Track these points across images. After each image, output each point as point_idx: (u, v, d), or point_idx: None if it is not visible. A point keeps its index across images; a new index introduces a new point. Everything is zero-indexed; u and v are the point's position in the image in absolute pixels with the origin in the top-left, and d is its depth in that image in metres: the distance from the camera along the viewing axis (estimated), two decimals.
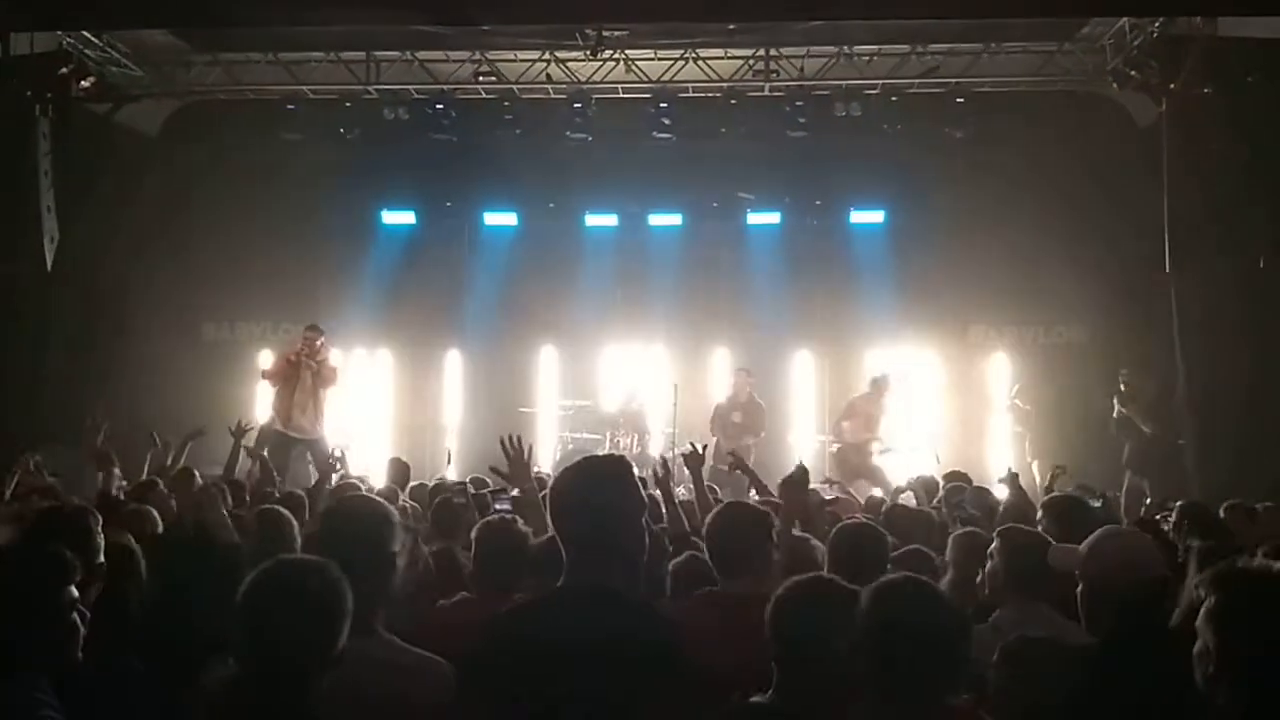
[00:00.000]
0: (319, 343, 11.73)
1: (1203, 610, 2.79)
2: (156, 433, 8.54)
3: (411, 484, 8.53)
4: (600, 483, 2.92)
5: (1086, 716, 3.19)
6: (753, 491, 7.53)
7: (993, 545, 4.33)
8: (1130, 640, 3.27)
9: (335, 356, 12.19)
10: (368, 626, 3.00)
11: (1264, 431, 10.63)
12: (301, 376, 11.56)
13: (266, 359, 13.22)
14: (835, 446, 12.84)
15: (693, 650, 2.86)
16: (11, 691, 2.76)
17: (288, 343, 12.50)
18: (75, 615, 2.92)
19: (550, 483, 3.06)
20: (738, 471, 7.68)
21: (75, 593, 2.94)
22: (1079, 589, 3.49)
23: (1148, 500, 9.88)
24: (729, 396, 13.53)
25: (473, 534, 4.87)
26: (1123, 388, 12.34)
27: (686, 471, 6.46)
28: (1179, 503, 6.96)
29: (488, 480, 8.40)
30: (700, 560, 4.47)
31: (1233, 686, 2.63)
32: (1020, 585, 4.11)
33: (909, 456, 12.56)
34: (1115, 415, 12.29)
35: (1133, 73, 12.15)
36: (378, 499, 3.63)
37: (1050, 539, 4.37)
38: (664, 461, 6.18)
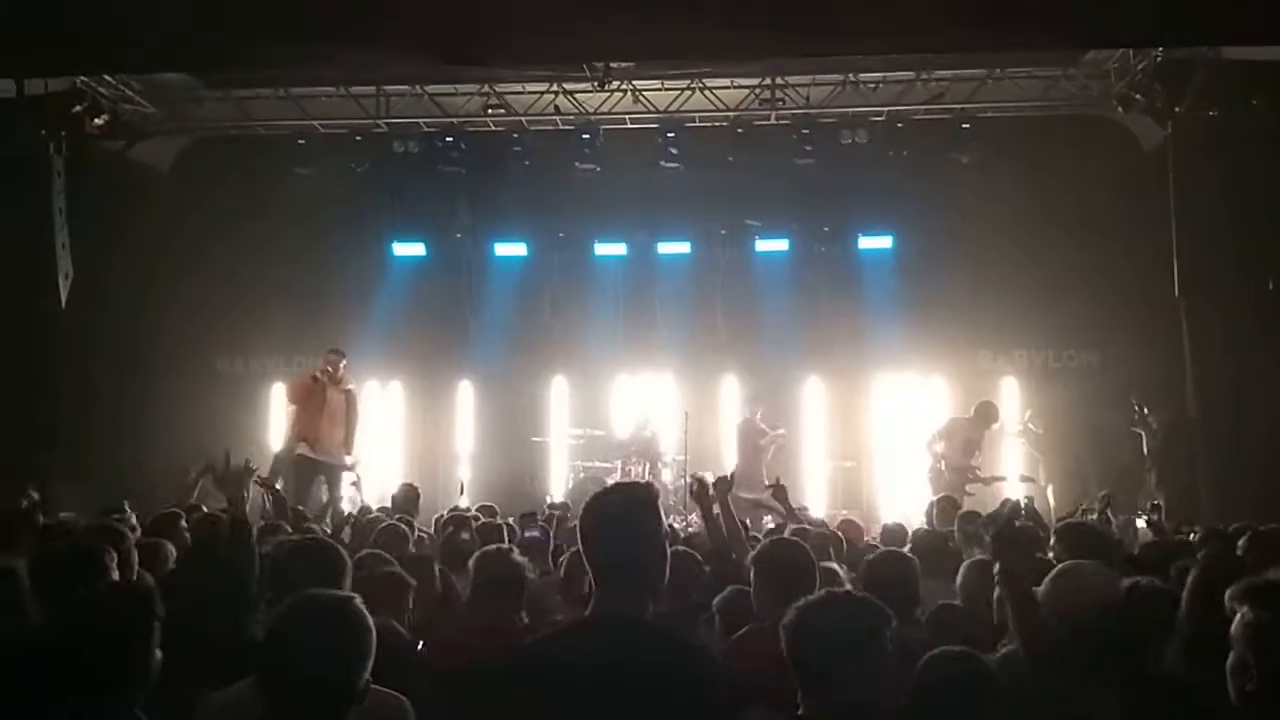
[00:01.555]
0: (342, 365, 11.78)
1: (1237, 625, 2.79)
2: (194, 468, 8.55)
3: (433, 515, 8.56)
4: (631, 511, 2.95)
5: None
6: (767, 519, 7.54)
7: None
8: (1090, 671, 3.30)
9: (354, 384, 12.22)
10: None
11: (1275, 454, 10.59)
12: (328, 398, 11.56)
13: (279, 392, 13.30)
14: (936, 468, 12.38)
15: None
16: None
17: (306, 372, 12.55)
18: (158, 651, 3.05)
19: (580, 510, 3.07)
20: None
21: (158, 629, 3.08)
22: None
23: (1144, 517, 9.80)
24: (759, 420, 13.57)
25: (470, 563, 4.91)
26: (1137, 415, 12.31)
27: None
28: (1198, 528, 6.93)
29: (496, 508, 8.44)
30: (746, 595, 4.48)
31: (1276, 702, 2.63)
32: None
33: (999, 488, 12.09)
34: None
35: (1137, 96, 12.17)
36: (330, 541, 3.66)
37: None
38: (701, 480, 6.15)
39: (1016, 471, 13.15)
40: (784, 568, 4.25)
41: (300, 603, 2.85)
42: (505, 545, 5.51)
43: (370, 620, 2.80)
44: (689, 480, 6.14)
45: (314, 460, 11.34)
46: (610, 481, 12.99)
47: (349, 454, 11.73)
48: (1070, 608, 3.45)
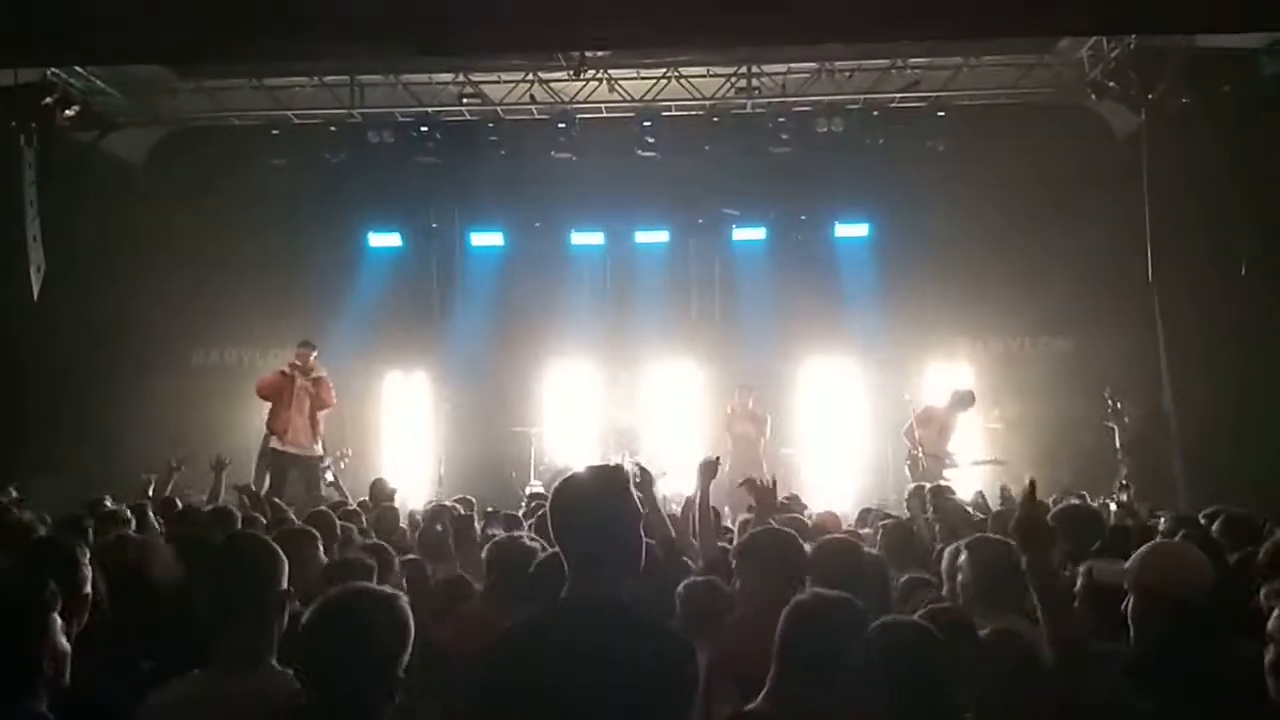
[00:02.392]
0: (312, 357, 11.78)
1: (1275, 620, 2.82)
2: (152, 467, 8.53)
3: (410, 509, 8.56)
4: (599, 494, 2.92)
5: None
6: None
7: (961, 558, 4.35)
8: (1183, 649, 3.31)
9: (324, 372, 12.18)
10: (256, 659, 3.08)
11: (1247, 437, 10.70)
12: (296, 391, 11.58)
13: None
14: (915, 454, 12.46)
15: None
16: (13, 714, 2.84)
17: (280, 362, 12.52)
18: (63, 640, 2.98)
19: (549, 496, 3.04)
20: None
21: (59, 620, 3.00)
22: (1127, 601, 3.50)
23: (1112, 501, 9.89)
24: (732, 409, 13.71)
25: (484, 554, 4.95)
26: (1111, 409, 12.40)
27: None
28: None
29: (473, 501, 8.45)
30: (714, 585, 4.47)
31: None
32: (988, 594, 4.15)
33: (971, 473, 12.24)
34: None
35: (1111, 84, 12.24)
36: (265, 538, 3.62)
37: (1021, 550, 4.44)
38: (642, 470, 6.17)
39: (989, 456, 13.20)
40: (771, 558, 4.22)
41: (344, 595, 2.86)
42: (519, 533, 5.53)
43: (411, 616, 2.82)
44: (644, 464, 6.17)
45: (284, 453, 11.40)
46: (594, 465, 13.00)
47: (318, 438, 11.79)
48: (1171, 586, 3.41)
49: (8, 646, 2.88)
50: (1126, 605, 3.50)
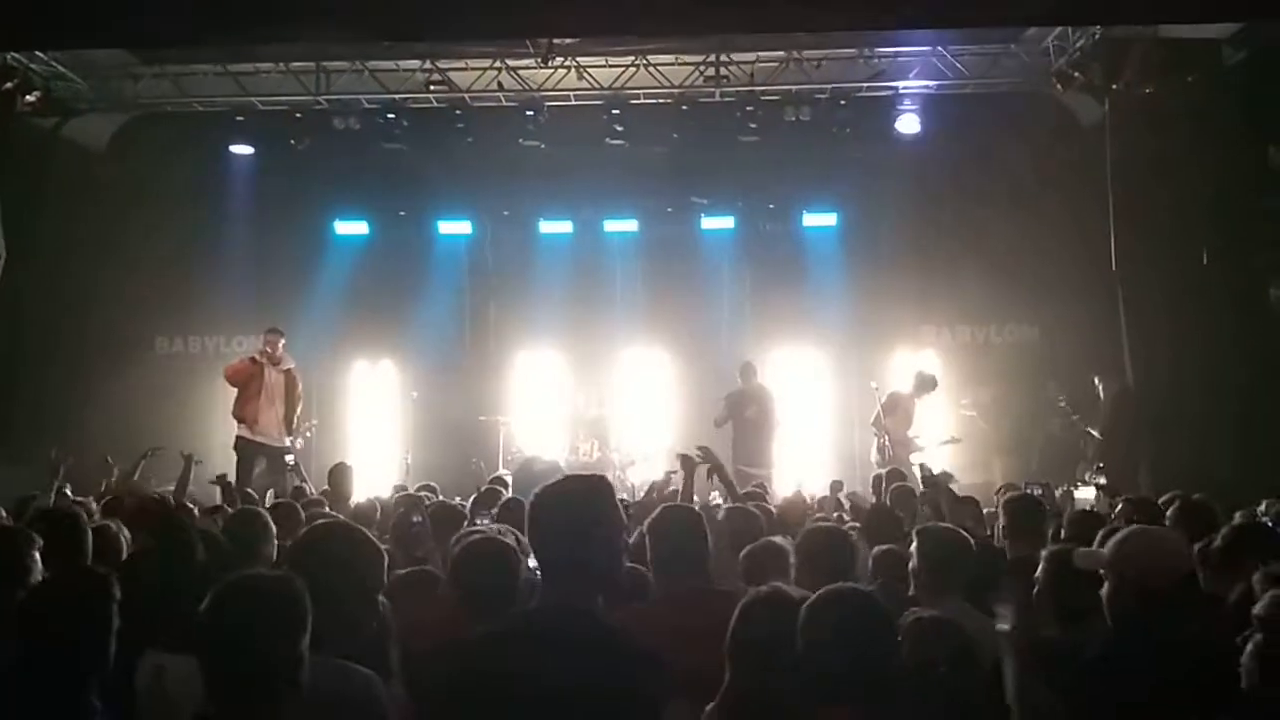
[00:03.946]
0: (280, 344, 11.71)
1: (1266, 605, 2.91)
2: (110, 456, 8.45)
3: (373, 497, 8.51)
4: (583, 505, 2.88)
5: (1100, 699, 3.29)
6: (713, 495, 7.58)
7: (912, 544, 4.41)
8: (1153, 634, 3.35)
9: (293, 363, 12.11)
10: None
11: (1208, 424, 10.82)
12: (266, 379, 11.52)
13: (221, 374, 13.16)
14: (881, 441, 12.45)
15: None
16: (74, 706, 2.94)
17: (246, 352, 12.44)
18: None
19: (529, 502, 2.98)
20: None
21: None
22: (1105, 587, 3.52)
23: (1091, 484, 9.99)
24: (740, 390, 13.14)
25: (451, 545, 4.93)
26: (1061, 404, 12.54)
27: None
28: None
29: (435, 487, 8.43)
30: (638, 572, 4.46)
31: None
32: (934, 580, 4.23)
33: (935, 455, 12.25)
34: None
35: (1076, 74, 12.32)
36: (359, 528, 3.59)
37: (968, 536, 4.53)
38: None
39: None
40: (675, 537, 4.21)
41: (230, 583, 2.84)
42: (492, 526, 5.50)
43: (303, 597, 2.77)
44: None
45: (252, 442, 11.34)
46: (559, 461, 13.00)
47: (289, 434, 11.70)
48: (1143, 573, 3.43)
49: (81, 638, 2.96)
50: (1103, 590, 3.52)
